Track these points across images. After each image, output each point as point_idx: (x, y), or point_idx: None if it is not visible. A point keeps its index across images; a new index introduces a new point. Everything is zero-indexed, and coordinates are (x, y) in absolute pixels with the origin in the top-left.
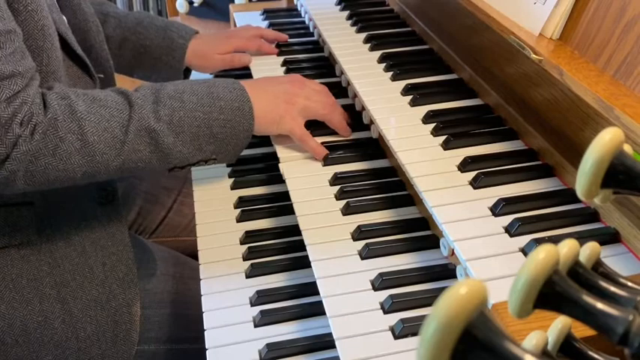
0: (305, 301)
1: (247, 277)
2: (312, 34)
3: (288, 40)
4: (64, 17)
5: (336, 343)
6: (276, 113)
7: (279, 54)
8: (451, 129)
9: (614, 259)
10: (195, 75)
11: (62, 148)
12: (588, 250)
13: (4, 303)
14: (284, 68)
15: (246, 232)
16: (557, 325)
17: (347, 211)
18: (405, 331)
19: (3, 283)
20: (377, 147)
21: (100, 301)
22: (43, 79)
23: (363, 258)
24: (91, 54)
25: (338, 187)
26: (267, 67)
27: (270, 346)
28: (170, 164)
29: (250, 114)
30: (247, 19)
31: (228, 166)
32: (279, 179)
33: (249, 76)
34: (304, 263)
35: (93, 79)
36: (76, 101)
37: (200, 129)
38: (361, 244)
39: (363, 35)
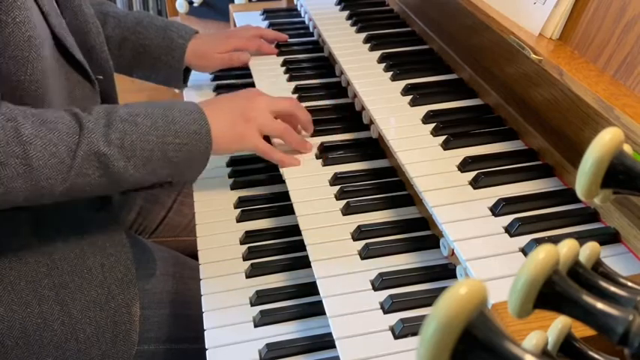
0: (305, 301)
1: (247, 277)
2: (312, 34)
3: (288, 40)
4: (64, 20)
5: (336, 343)
6: (235, 132)
7: (279, 54)
8: (451, 129)
9: (614, 259)
10: (195, 75)
11: (3, 173)
12: (588, 250)
13: (2, 305)
14: (284, 68)
15: (246, 232)
16: (557, 325)
17: (347, 211)
18: (405, 331)
19: (1, 286)
20: (377, 147)
21: (99, 302)
22: (26, 89)
23: (363, 258)
24: (92, 55)
25: (338, 187)
26: (267, 67)
27: (270, 346)
28: (121, 188)
29: (208, 137)
30: (247, 19)
31: (228, 166)
32: (279, 179)
33: (248, 75)
34: (304, 263)
35: (92, 84)
36: (24, 124)
37: (153, 153)
38: (361, 244)
39: (363, 35)
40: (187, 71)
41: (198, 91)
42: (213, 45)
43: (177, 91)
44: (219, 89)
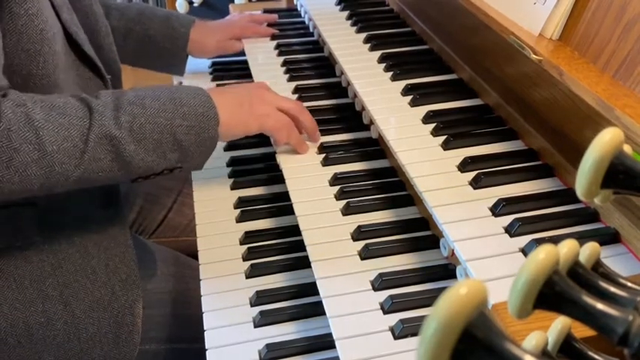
0: (305, 301)
1: (247, 277)
2: (312, 34)
3: (288, 40)
4: (75, 16)
5: (336, 343)
6: (242, 116)
7: (279, 54)
8: (451, 129)
9: (614, 260)
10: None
11: (17, 159)
12: (588, 251)
13: (6, 303)
14: (284, 68)
15: (246, 233)
16: (557, 325)
17: (347, 211)
18: (405, 331)
19: (6, 284)
20: (377, 147)
21: (102, 302)
22: (37, 82)
23: (363, 258)
24: (100, 55)
25: (338, 187)
26: (268, 66)
27: (269, 347)
28: (133, 174)
29: (215, 119)
30: None
31: (228, 166)
32: (279, 179)
33: (248, 75)
34: (304, 263)
35: (104, 80)
36: (33, 109)
37: (163, 135)
38: (361, 244)
39: (363, 35)
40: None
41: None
42: (212, 34)
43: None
44: (219, 87)
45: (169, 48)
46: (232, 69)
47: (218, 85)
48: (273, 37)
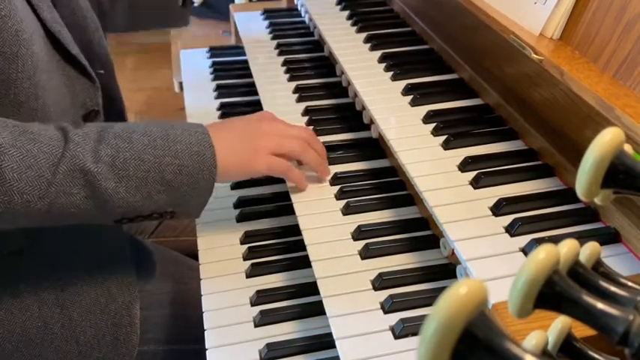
0: (305, 301)
1: (247, 277)
2: (312, 34)
3: (288, 39)
4: (57, 14)
5: (336, 343)
6: (244, 158)
7: (279, 54)
8: (451, 129)
9: (614, 259)
10: (197, 70)
11: None
12: (588, 250)
13: (3, 309)
14: (284, 68)
15: (246, 232)
16: (558, 325)
17: (347, 211)
18: (405, 331)
19: (1, 289)
20: (377, 147)
21: (99, 304)
22: (19, 86)
23: (363, 258)
24: (90, 50)
25: (338, 187)
26: (268, 67)
27: (270, 346)
28: (114, 214)
29: (212, 160)
30: (247, 19)
31: None
32: (279, 179)
33: (249, 75)
34: (304, 263)
35: (91, 79)
36: (0, 132)
37: (149, 174)
38: (361, 244)
39: (363, 35)
40: (187, 3)
41: (197, 90)
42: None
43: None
44: (219, 89)
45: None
46: (233, 69)
47: (219, 86)
48: (274, 37)
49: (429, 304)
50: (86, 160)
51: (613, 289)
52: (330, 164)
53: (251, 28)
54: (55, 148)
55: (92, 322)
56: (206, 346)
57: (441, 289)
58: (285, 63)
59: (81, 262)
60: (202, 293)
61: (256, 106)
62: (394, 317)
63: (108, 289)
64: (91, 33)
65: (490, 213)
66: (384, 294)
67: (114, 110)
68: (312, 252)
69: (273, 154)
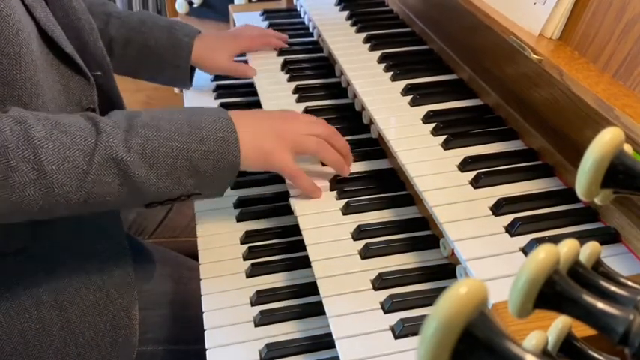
0: (305, 301)
1: (247, 276)
2: (311, 35)
3: (288, 40)
4: (51, 13)
5: (336, 343)
6: (264, 148)
7: (279, 54)
8: (451, 129)
9: (614, 259)
10: (199, 74)
11: (14, 178)
12: (588, 250)
13: (1, 311)
14: (284, 68)
15: (246, 232)
16: (558, 324)
17: (347, 211)
18: (405, 330)
19: (0, 292)
20: (377, 147)
21: (98, 305)
22: (22, 87)
23: (363, 258)
24: (86, 51)
25: (338, 187)
26: (268, 67)
27: (270, 346)
28: (146, 199)
29: (236, 146)
30: (247, 19)
31: None
32: (280, 179)
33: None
34: (304, 263)
35: (87, 78)
36: (35, 126)
37: (177, 160)
38: (361, 244)
39: (363, 35)
40: (192, 70)
41: (197, 91)
42: (220, 44)
43: (176, 90)
44: (219, 89)
45: (171, 60)
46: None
47: (219, 86)
48: None
49: (429, 304)
50: (119, 150)
51: (613, 288)
52: None
53: None
54: (87, 139)
55: (91, 323)
56: (206, 346)
57: (441, 289)
58: (284, 63)
59: (80, 263)
60: (202, 293)
61: (256, 107)
62: (394, 317)
63: (107, 291)
64: (86, 35)
65: (490, 213)
66: (384, 294)
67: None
68: (312, 252)
69: (291, 152)
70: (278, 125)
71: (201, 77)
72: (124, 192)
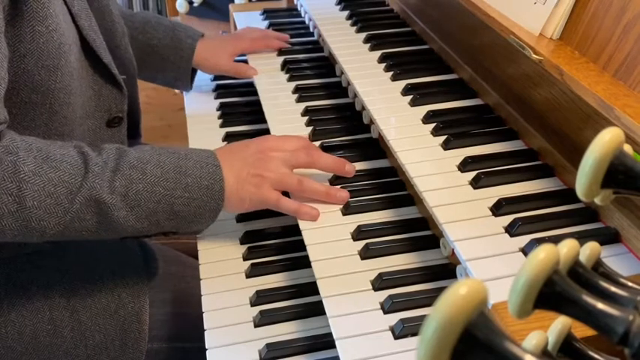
0: (305, 301)
1: (247, 276)
2: (312, 34)
3: (289, 40)
4: (94, 20)
5: (336, 343)
6: (247, 190)
7: (279, 54)
8: (451, 129)
9: (614, 259)
10: (199, 74)
11: None
12: (588, 250)
13: (14, 310)
14: (284, 68)
15: (246, 232)
16: (557, 325)
17: (347, 211)
18: (405, 331)
19: (13, 290)
20: (377, 147)
21: (109, 309)
22: (55, 96)
23: (363, 258)
24: (116, 55)
25: (338, 187)
26: (267, 67)
27: (270, 346)
28: (121, 235)
29: (220, 194)
30: (247, 19)
31: None
32: None
33: (244, 61)
34: (304, 263)
35: (119, 87)
36: (25, 159)
37: (159, 205)
38: (361, 244)
39: (363, 35)
40: (193, 73)
41: (198, 91)
42: (221, 46)
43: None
44: (219, 89)
45: (173, 59)
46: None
47: (218, 86)
48: None
49: (429, 304)
50: (102, 192)
51: (613, 289)
52: None
53: None
54: (74, 177)
55: (101, 326)
56: (206, 347)
57: (441, 289)
58: (284, 63)
59: (94, 266)
60: (202, 293)
61: (256, 106)
62: (394, 317)
63: (119, 295)
64: (118, 39)
65: (490, 213)
66: (384, 294)
67: (131, 115)
68: (312, 252)
69: (274, 188)
70: (259, 164)
71: (201, 77)
72: (100, 229)
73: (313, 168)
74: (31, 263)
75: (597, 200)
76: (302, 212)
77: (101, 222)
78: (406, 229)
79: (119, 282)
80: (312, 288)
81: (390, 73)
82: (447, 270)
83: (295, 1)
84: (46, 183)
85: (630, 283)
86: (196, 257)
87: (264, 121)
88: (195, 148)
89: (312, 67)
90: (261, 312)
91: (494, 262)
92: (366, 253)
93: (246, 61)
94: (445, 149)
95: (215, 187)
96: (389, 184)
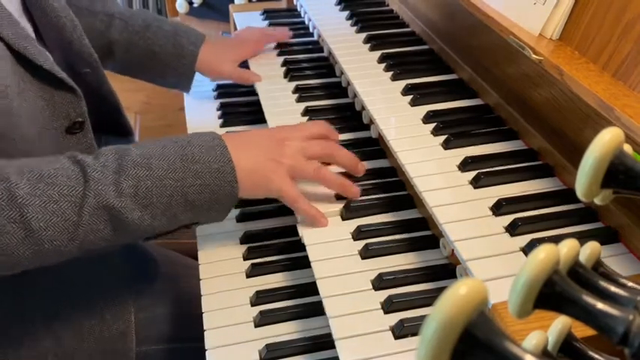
0: (305, 301)
1: (247, 276)
2: (312, 34)
3: (289, 40)
4: (30, 24)
5: (336, 343)
6: (262, 175)
7: (279, 54)
8: (451, 129)
9: (614, 259)
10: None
11: (2, 241)
12: (588, 250)
13: None
14: (284, 68)
15: (246, 232)
16: (557, 325)
17: (347, 211)
18: (405, 331)
19: None
20: (377, 147)
21: (92, 332)
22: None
23: (363, 258)
24: (72, 50)
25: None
26: (267, 67)
27: (270, 347)
28: (142, 237)
29: (232, 176)
30: (247, 19)
31: None
32: None
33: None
34: (304, 263)
35: (72, 90)
36: (17, 183)
37: (172, 198)
38: (361, 244)
39: (363, 35)
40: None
41: (197, 91)
42: (223, 52)
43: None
44: (219, 89)
45: (174, 66)
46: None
47: (219, 86)
48: None
49: (429, 304)
50: (109, 197)
51: (613, 289)
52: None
53: None
54: (75, 188)
55: (85, 351)
56: (206, 347)
57: (441, 289)
58: (284, 63)
59: (75, 290)
60: (202, 293)
61: (256, 106)
62: (394, 317)
63: (102, 317)
64: (68, 33)
65: (490, 213)
66: (384, 294)
67: (106, 109)
68: (312, 252)
69: (289, 176)
70: (274, 149)
71: (201, 77)
72: (119, 235)
73: (329, 161)
74: (7, 292)
75: (597, 200)
76: (318, 219)
77: (117, 228)
78: (406, 229)
79: (101, 302)
80: (312, 288)
81: (390, 73)
82: (447, 270)
83: (295, 2)
84: (46, 201)
85: (630, 283)
86: (196, 258)
87: (264, 121)
88: (196, 132)
89: (312, 67)
90: (261, 312)
91: (494, 262)
92: (366, 253)
93: (246, 62)
94: (445, 149)
95: (226, 168)
96: (389, 184)
